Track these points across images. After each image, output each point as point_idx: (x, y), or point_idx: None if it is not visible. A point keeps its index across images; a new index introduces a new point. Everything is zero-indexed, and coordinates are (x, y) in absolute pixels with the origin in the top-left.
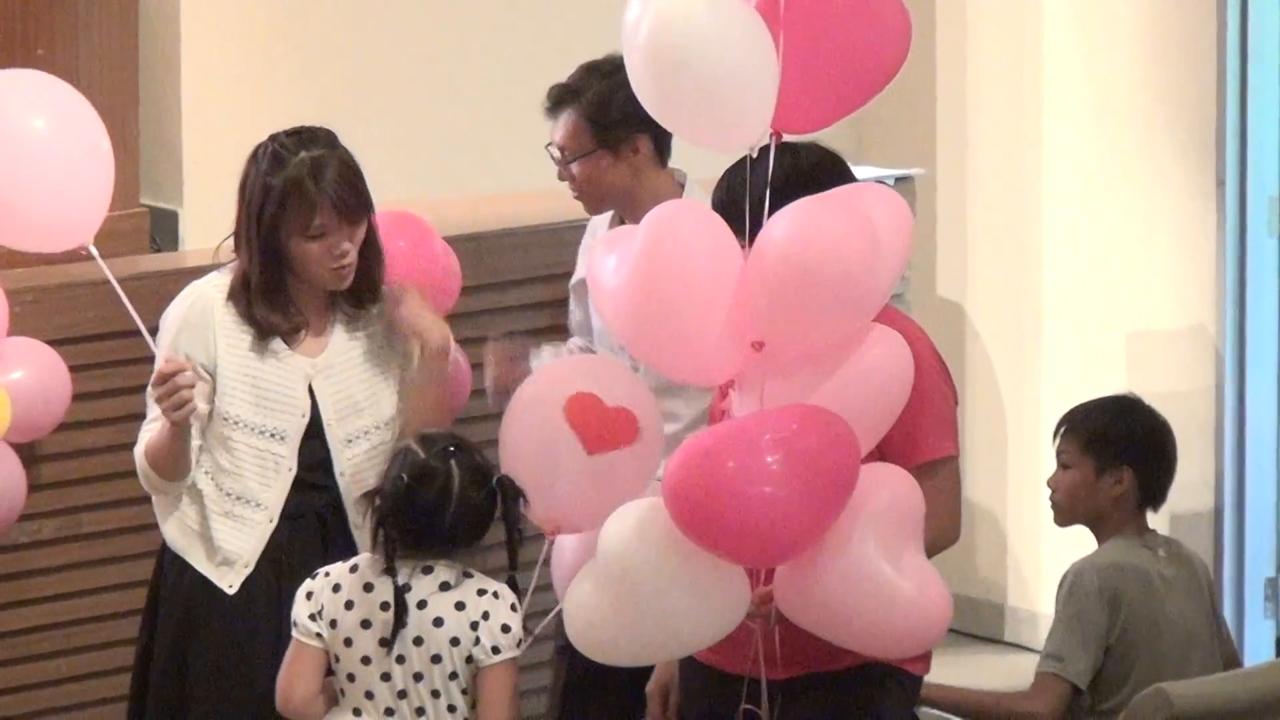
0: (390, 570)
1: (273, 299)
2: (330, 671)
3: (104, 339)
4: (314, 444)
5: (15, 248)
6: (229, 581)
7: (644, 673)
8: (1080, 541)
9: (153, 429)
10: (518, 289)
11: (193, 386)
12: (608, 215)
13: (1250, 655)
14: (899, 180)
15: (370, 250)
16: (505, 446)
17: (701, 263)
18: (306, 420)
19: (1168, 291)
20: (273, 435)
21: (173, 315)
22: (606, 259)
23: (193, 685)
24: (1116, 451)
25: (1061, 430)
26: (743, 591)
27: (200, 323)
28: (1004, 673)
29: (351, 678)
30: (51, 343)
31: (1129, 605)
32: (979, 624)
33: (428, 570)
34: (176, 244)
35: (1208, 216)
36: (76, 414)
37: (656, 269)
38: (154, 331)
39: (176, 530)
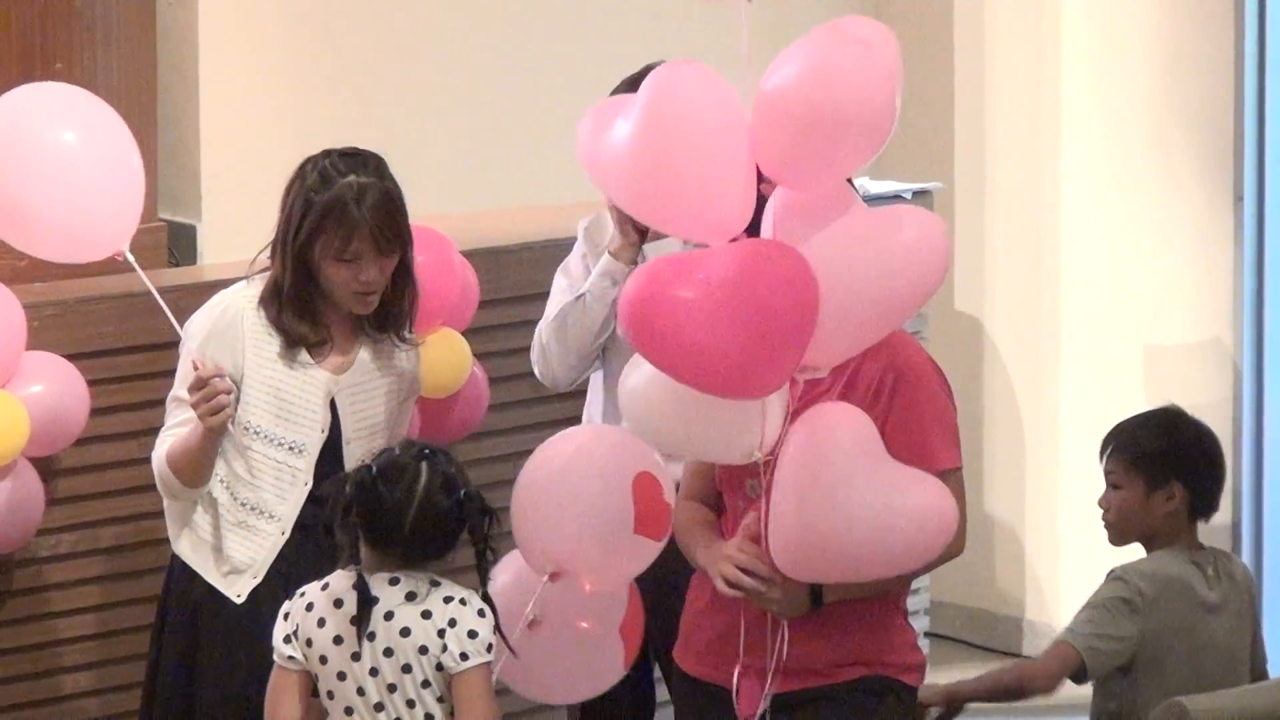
0: (354, 557)
1: (301, 310)
2: (316, 691)
3: (122, 353)
4: (330, 459)
5: (52, 259)
6: (237, 591)
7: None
8: (1099, 556)
9: (176, 434)
10: (536, 303)
11: (230, 392)
12: (596, 219)
13: (1271, 670)
14: (917, 194)
15: (403, 281)
16: (523, 485)
17: (708, 110)
18: (326, 435)
19: (1185, 305)
20: (291, 448)
21: (198, 324)
22: (601, 131)
23: (200, 694)
24: (1165, 467)
25: (1108, 450)
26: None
27: (228, 332)
28: None
29: (331, 695)
30: (70, 357)
31: (1161, 615)
32: (997, 637)
33: (394, 581)
34: (195, 258)
35: (1225, 231)
36: (95, 428)
37: (664, 121)
38: (176, 344)
39: (189, 544)
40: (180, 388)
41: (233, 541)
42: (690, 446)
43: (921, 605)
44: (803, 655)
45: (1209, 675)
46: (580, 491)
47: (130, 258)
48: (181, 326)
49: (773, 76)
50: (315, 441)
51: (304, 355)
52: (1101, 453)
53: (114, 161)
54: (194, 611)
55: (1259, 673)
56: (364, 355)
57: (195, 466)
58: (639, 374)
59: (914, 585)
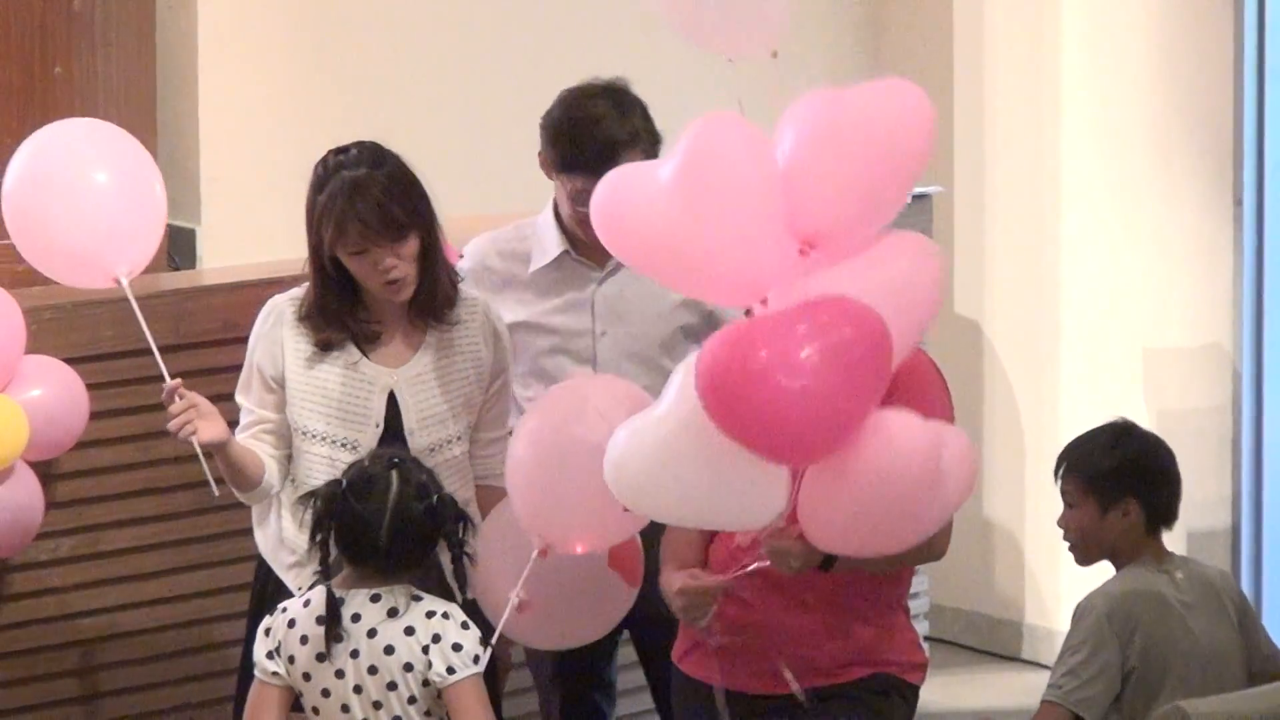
0: (325, 574)
1: (328, 312)
2: (299, 708)
3: (121, 357)
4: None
5: (61, 281)
6: (298, 584)
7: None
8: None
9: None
10: None
11: (192, 407)
12: (531, 230)
13: None
14: (916, 198)
15: (428, 263)
16: (510, 459)
17: (747, 164)
18: (380, 430)
19: (1185, 309)
20: (344, 445)
21: (254, 329)
22: (626, 196)
23: None
24: (1117, 485)
25: (1061, 470)
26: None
27: (270, 335)
28: (1022, 691)
29: (316, 711)
30: (69, 360)
31: (1144, 630)
32: (997, 642)
33: (375, 598)
34: (194, 262)
35: (1225, 235)
36: (94, 432)
37: (704, 174)
38: (176, 348)
39: (262, 536)
40: (239, 391)
41: (294, 538)
42: (711, 515)
43: (921, 609)
44: (809, 655)
45: (1200, 677)
46: (527, 455)
47: (124, 284)
48: (158, 339)
49: (801, 138)
50: (370, 437)
51: (353, 353)
52: (1056, 472)
53: (127, 190)
54: (264, 606)
55: (1270, 671)
56: (428, 344)
57: (227, 473)
58: (632, 445)
59: (913, 589)
